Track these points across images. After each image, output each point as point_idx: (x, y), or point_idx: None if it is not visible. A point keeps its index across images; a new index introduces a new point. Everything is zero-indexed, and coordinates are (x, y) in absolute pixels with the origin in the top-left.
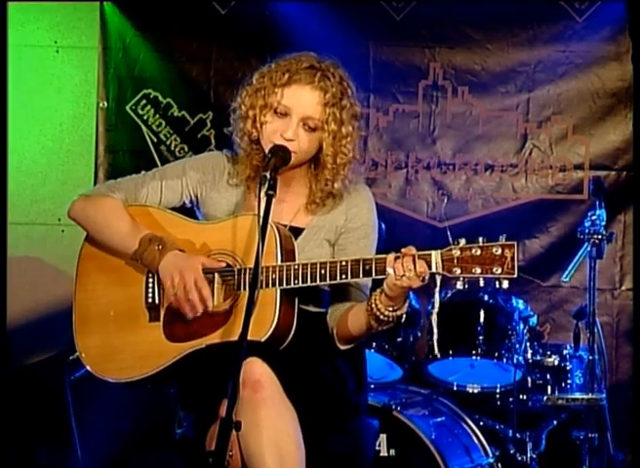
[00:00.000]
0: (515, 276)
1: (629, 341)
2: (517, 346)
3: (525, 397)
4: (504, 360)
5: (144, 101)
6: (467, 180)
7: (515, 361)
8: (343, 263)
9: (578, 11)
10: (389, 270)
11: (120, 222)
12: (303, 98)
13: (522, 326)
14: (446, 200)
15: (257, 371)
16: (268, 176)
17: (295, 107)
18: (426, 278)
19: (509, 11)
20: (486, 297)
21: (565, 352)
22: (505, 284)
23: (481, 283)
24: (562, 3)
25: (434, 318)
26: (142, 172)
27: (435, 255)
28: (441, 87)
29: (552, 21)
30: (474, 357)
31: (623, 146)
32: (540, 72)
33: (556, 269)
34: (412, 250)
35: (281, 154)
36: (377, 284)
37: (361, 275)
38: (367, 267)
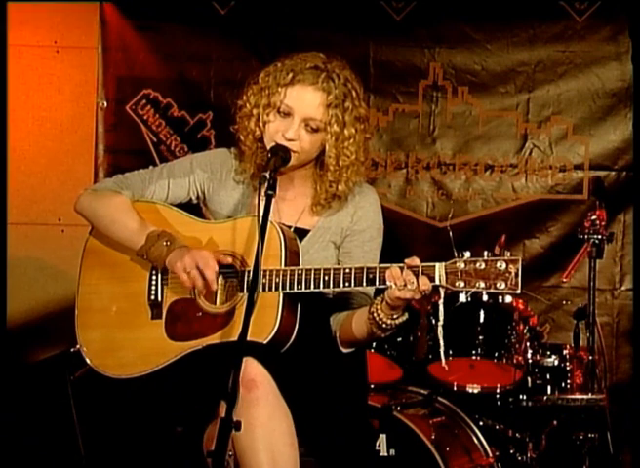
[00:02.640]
0: (519, 292)
1: (629, 341)
2: (517, 346)
3: (525, 397)
4: (504, 360)
5: (144, 101)
6: (467, 180)
7: (515, 361)
8: (347, 271)
9: (578, 11)
10: (390, 284)
11: (127, 219)
12: (306, 99)
13: (522, 326)
14: (452, 208)
15: (251, 371)
16: (268, 176)
17: (297, 107)
18: (429, 292)
19: (509, 11)
20: (486, 297)
21: (565, 352)
22: (508, 298)
23: (484, 298)
24: (562, 3)
25: (440, 330)
26: (150, 166)
27: (439, 268)
28: (441, 87)
29: (552, 21)
30: (474, 357)
31: (623, 146)
32: (540, 72)
33: (556, 269)
34: (415, 260)
35: (281, 154)
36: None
37: (364, 283)
38: (370, 276)
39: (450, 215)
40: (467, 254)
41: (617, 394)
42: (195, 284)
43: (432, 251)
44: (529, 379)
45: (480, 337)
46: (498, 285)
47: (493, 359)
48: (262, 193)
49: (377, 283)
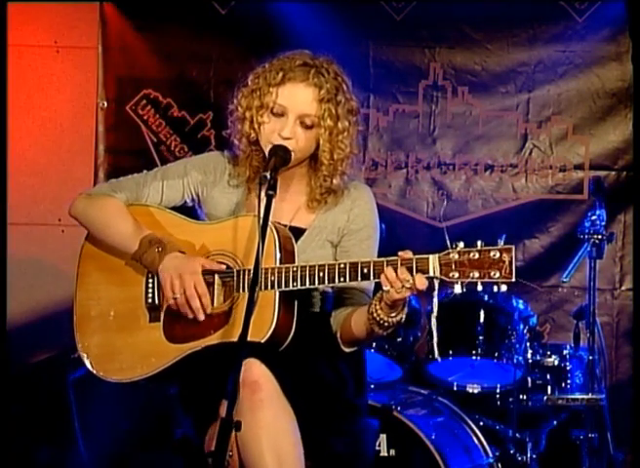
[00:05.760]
0: (513, 280)
1: (629, 341)
2: (517, 346)
3: (525, 397)
4: (504, 360)
5: (144, 101)
6: (467, 180)
7: (515, 361)
8: (342, 266)
9: (578, 11)
10: (387, 288)
11: (121, 222)
12: (298, 96)
13: (522, 326)
14: (446, 200)
15: (255, 372)
16: (268, 177)
17: (290, 106)
18: (425, 288)
19: (509, 11)
20: (486, 297)
21: (565, 352)
22: (504, 287)
23: (479, 287)
24: (562, 3)
25: (434, 322)
26: (144, 171)
27: (433, 259)
28: (441, 87)
29: (552, 21)
30: (474, 357)
31: (623, 146)
32: (540, 72)
33: (556, 269)
34: (408, 253)
35: (281, 154)
36: (379, 285)
37: (359, 278)
38: (365, 270)
39: (443, 217)
40: (461, 245)
41: (617, 394)
42: (181, 310)
43: (432, 251)
44: (529, 379)
45: (480, 337)
46: (492, 274)
47: (493, 359)
48: (262, 193)
49: (371, 277)
